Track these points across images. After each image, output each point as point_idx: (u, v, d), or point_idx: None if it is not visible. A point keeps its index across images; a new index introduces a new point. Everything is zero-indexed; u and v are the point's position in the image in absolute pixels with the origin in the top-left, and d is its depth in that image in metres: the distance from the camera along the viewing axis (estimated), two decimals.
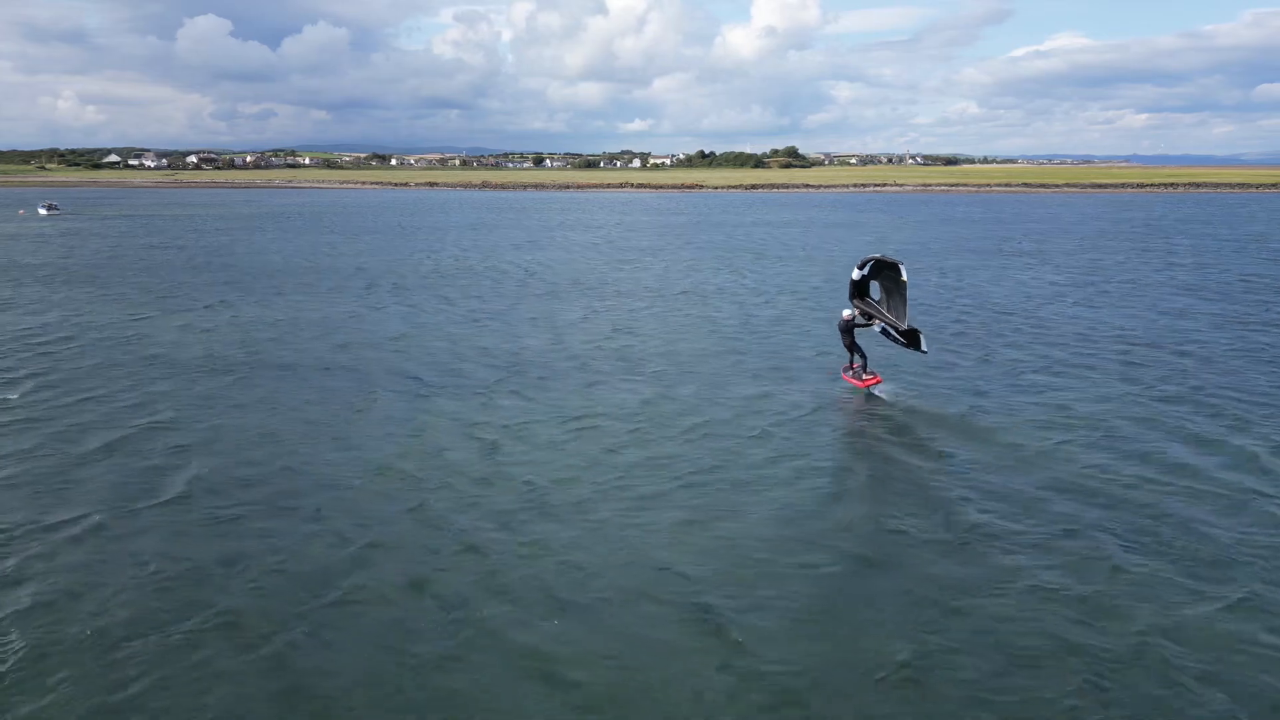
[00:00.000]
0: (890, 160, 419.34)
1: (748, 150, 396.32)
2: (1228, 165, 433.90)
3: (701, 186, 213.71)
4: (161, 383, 23.77)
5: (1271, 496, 15.51)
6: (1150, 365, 25.42)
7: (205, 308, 36.57)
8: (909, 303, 22.06)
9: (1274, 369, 24.89)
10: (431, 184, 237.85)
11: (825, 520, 14.67)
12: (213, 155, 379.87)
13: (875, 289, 23.08)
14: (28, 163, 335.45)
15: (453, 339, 29.84)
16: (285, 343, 29.16)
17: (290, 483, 16.42)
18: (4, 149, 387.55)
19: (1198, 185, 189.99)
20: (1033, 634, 11.15)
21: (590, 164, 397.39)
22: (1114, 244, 65.37)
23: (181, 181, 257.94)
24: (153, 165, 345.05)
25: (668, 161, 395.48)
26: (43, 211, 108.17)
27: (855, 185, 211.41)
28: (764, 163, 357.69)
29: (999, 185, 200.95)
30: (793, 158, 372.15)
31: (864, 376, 22.42)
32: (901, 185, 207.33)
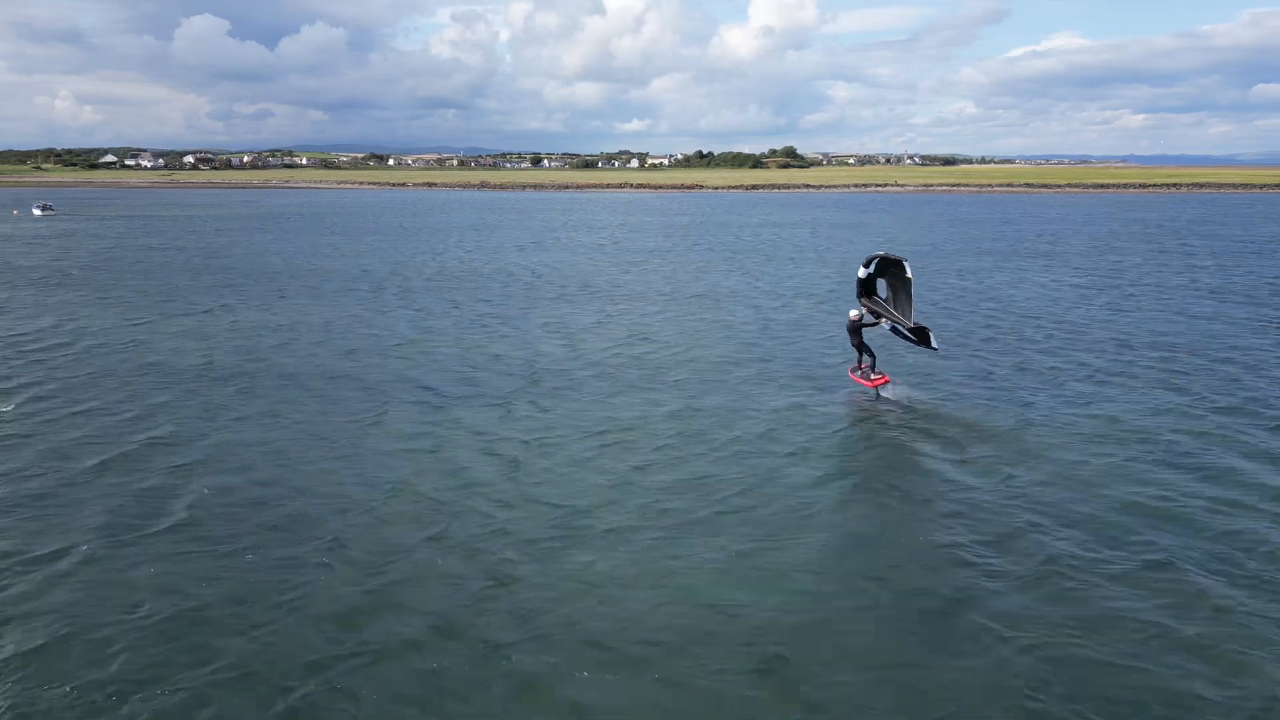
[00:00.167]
0: (888, 160, 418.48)
1: (745, 150, 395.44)
2: (1225, 165, 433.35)
3: (701, 187, 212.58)
4: (160, 393, 22.53)
5: None
6: (1196, 373, 24.26)
7: (205, 312, 35.31)
8: (915, 299, 22.02)
9: None
10: (430, 184, 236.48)
11: (886, 550, 13.48)
12: (210, 155, 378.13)
13: (882, 287, 22.77)
14: (24, 163, 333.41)
15: (464, 345, 28.62)
16: (289, 349, 27.92)
17: (301, 506, 15.20)
18: (0, 149, 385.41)
19: (1200, 185, 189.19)
20: (1144, 688, 9.94)
21: (588, 164, 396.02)
22: (1129, 245, 64.28)
23: (178, 182, 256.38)
24: (149, 165, 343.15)
25: (666, 162, 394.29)
26: (37, 212, 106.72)
27: (856, 185, 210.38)
28: (762, 163, 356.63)
29: (1000, 185, 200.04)
30: (791, 158, 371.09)
31: (872, 376, 22.00)
32: (902, 186, 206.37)
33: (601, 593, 12.32)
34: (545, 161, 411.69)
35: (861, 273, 22.68)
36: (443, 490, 16.01)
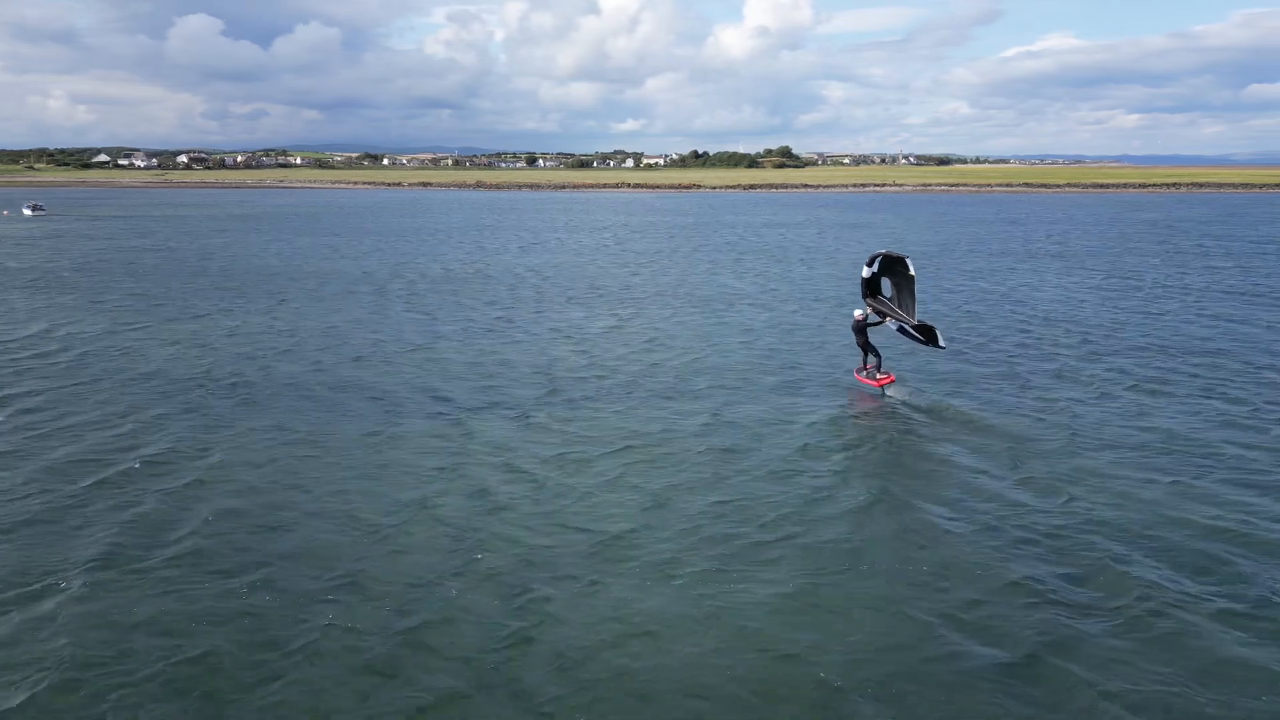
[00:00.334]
0: (883, 160, 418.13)
1: (740, 150, 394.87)
2: (1218, 165, 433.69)
3: (699, 186, 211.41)
4: (157, 405, 21.25)
5: None
6: (1243, 381, 23.14)
7: (202, 317, 34.00)
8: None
9: None
10: (425, 184, 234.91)
11: (957, 585, 12.27)
12: (203, 155, 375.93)
13: (886, 286, 22.67)
14: (16, 163, 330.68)
15: (476, 352, 27.38)
16: (292, 356, 26.64)
17: (313, 534, 13.97)
18: None
19: (1200, 185, 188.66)
20: None
21: (583, 164, 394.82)
22: (1142, 246, 63.25)
23: (171, 181, 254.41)
24: (143, 165, 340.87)
25: (661, 161, 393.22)
26: (27, 212, 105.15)
27: (854, 185, 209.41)
28: (758, 162, 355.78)
29: (1000, 185, 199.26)
30: (786, 158, 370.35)
31: (877, 376, 21.96)
32: (901, 185, 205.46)
33: (649, 636, 11.12)
34: (540, 161, 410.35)
35: (865, 272, 22.56)
36: (465, 514, 14.80)
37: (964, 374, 24.05)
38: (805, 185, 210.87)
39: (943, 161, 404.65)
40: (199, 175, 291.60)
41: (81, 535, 13.91)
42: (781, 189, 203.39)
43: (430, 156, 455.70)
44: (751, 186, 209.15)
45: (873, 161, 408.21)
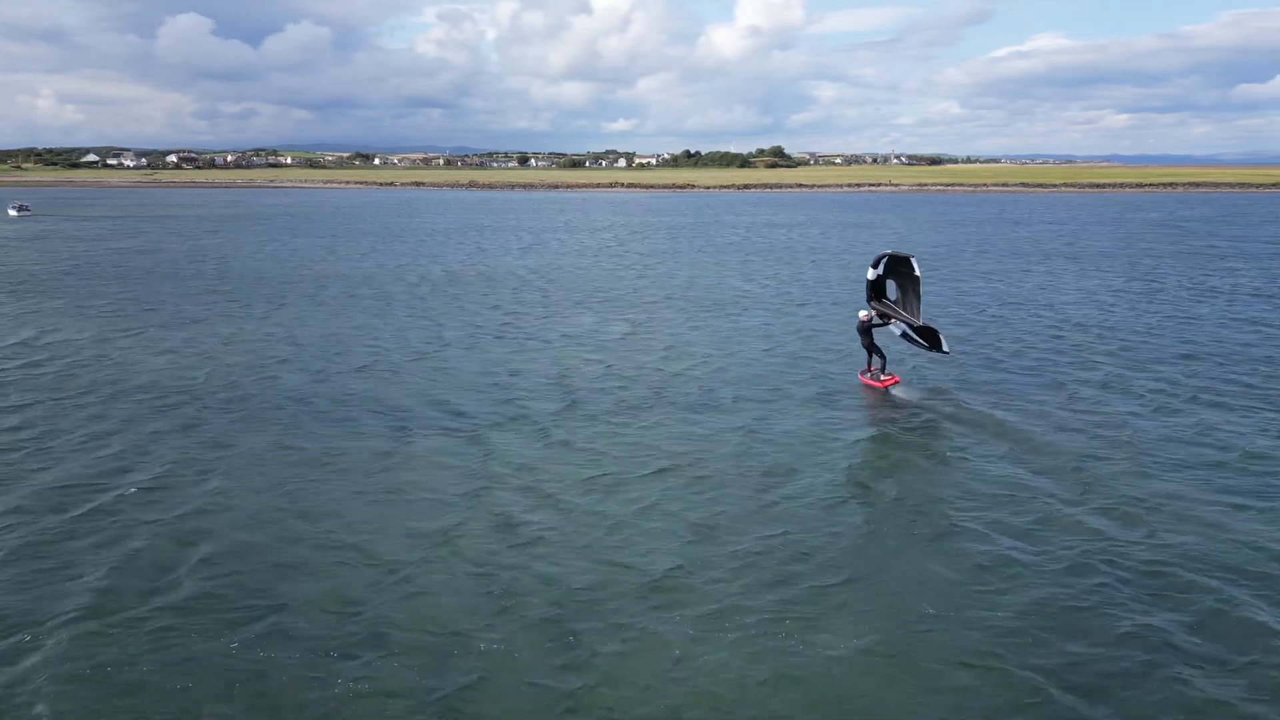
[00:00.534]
0: (875, 160, 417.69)
1: (733, 150, 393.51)
2: (1207, 165, 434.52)
3: (693, 186, 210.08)
4: (150, 422, 19.75)
5: None
6: None
7: (197, 323, 32.44)
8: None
9: None
10: (418, 184, 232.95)
11: (1067, 640, 10.84)
12: (193, 155, 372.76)
13: (892, 289, 22.74)
14: (3, 162, 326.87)
15: (486, 361, 25.94)
16: (294, 366, 25.16)
17: (329, 575, 12.53)
18: None
19: (1196, 185, 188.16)
20: None
21: (575, 163, 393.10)
22: (1154, 246, 62.11)
23: (161, 181, 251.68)
24: (132, 165, 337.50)
25: (654, 161, 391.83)
26: (12, 212, 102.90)
27: (849, 185, 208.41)
28: (750, 162, 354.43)
29: (995, 185, 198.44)
30: (779, 158, 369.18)
31: (881, 377, 22.06)
32: (897, 185, 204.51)
33: (717, 697, 9.75)
34: (533, 161, 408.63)
35: (871, 274, 22.58)
36: (491, 548, 13.40)
37: (1006, 384, 22.74)
38: (800, 185, 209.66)
39: (934, 161, 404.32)
40: (189, 175, 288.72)
41: (64, 577, 12.43)
42: (776, 189, 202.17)
43: (422, 156, 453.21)
44: (746, 186, 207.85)
45: (865, 161, 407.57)
